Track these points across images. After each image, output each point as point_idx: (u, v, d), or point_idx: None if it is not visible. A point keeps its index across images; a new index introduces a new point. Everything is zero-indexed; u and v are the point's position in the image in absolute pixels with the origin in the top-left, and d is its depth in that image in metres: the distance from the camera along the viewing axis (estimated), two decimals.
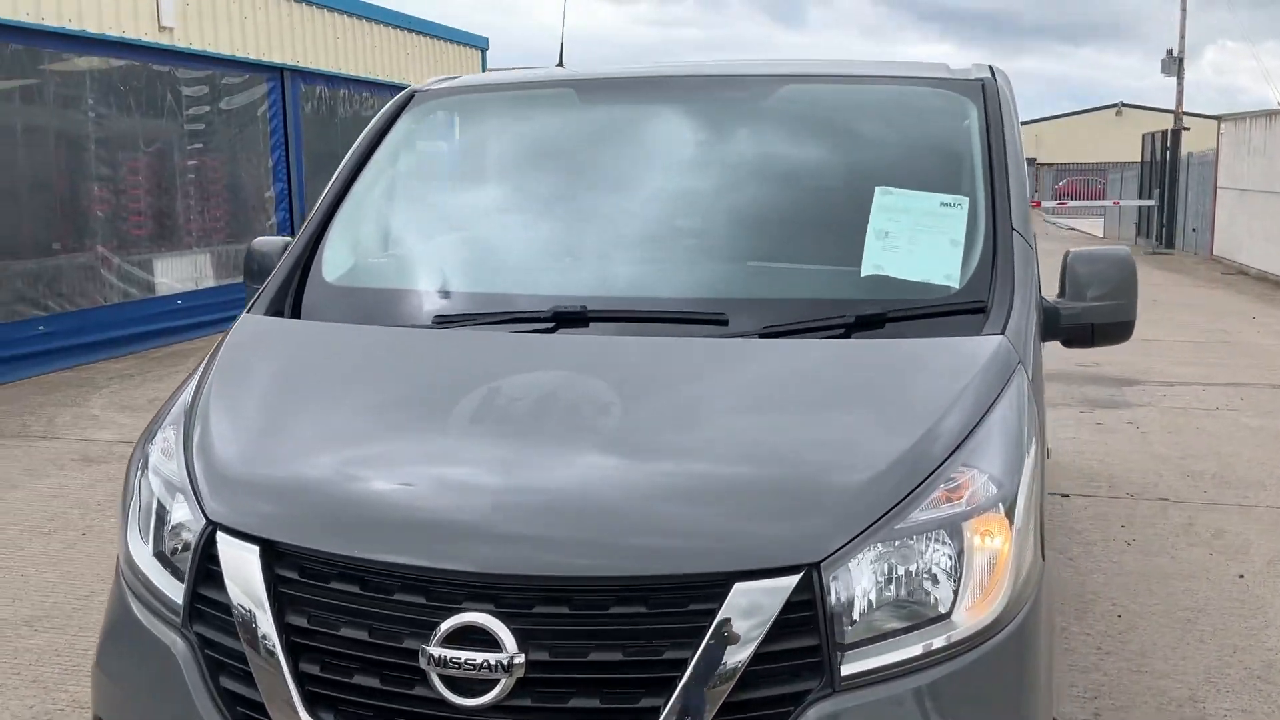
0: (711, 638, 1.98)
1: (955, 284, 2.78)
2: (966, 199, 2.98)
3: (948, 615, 2.10)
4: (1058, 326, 2.98)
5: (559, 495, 2.16)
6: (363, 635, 2.08)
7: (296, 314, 2.98)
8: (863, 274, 2.83)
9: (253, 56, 13.14)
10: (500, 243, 3.26)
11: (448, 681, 2.01)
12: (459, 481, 2.25)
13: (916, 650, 2.07)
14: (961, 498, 2.17)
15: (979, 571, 2.13)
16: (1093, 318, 2.97)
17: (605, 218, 3.21)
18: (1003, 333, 2.60)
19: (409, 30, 17.28)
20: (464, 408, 2.41)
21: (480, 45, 19.79)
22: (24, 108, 10.11)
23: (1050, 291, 3.05)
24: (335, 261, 3.14)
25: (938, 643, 2.08)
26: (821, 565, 2.02)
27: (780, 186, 3.21)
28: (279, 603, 2.13)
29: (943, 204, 2.97)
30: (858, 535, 2.06)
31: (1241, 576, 4.95)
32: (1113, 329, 3.00)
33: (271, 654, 2.10)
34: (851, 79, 3.54)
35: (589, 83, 3.68)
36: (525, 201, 3.36)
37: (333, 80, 14.87)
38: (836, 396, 2.44)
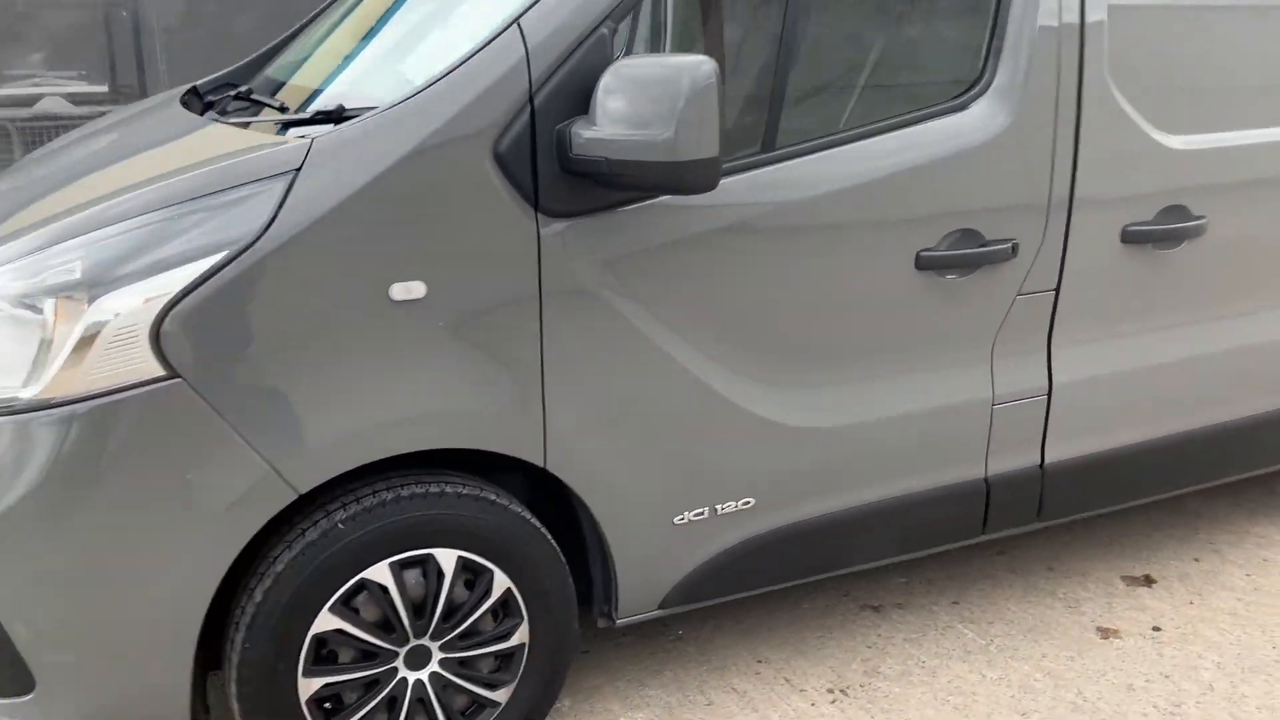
0: None
1: None
2: None
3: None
4: (568, 157, 2.25)
5: None
6: None
7: None
8: None
9: None
10: None
11: None
12: None
13: None
14: (52, 274, 2.12)
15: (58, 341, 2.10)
16: (616, 150, 2.17)
17: None
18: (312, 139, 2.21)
19: None
20: None
21: None
22: None
23: None
24: None
25: None
26: None
27: None
28: None
29: None
30: None
31: None
32: (659, 169, 2.15)
33: None
34: None
35: None
36: None
37: None
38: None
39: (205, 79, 3.54)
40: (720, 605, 3.35)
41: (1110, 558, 3.68)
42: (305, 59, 3.11)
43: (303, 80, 2.89)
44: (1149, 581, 3.53)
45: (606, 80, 2.20)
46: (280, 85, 2.94)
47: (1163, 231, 2.98)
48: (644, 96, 2.14)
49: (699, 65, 2.13)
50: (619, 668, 3.07)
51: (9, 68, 7.63)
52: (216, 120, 2.71)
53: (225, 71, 3.55)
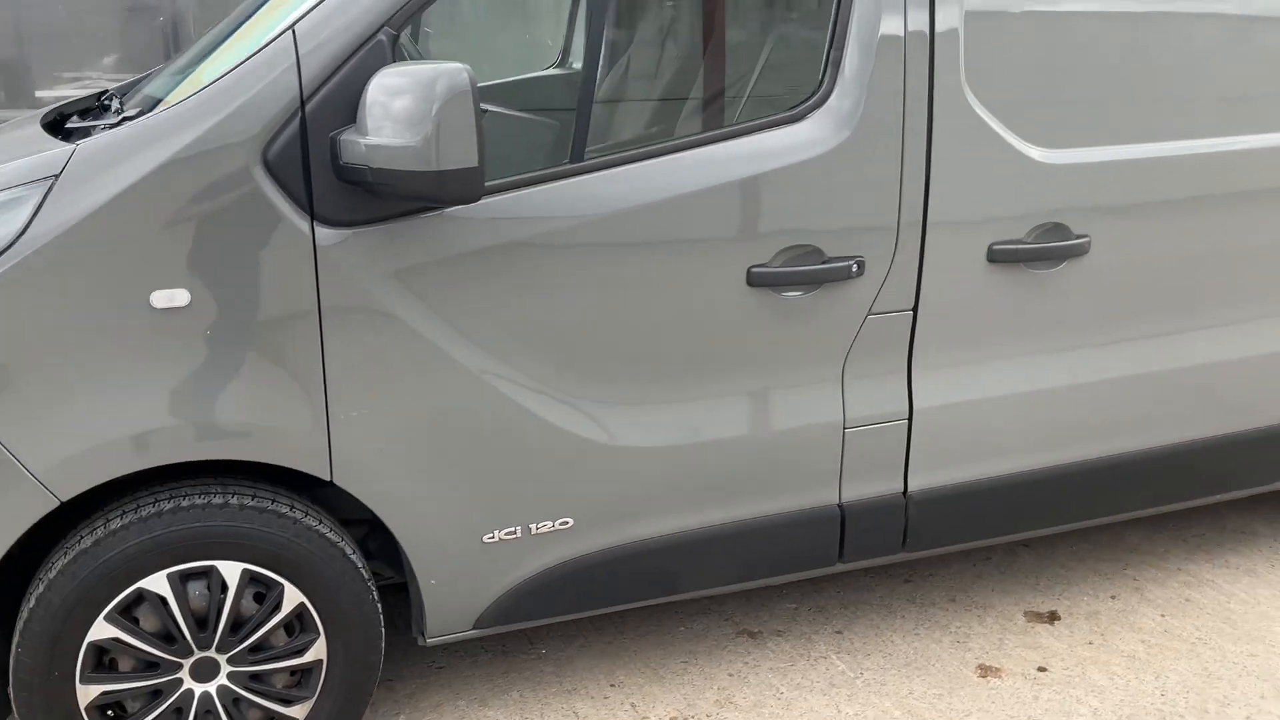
0: None
1: None
2: None
3: None
4: (339, 166, 2.21)
5: None
6: None
7: None
8: None
9: None
10: None
11: None
12: None
13: None
14: None
15: None
16: (378, 159, 2.12)
17: None
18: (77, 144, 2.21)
19: None
20: None
21: None
22: None
23: None
24: None
25: None
26: None
27: None
28: None
29: None
30: None
31: None
32: (418, 179, 2.10)
33: None
34: None
35: None
36: None
37: None
38: None
39: (116, 85, 3.59)
40: (590, 623, 3.29)
41: (1021, 591, 3.50)
42: (189, 71, 3.13)
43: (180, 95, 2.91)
44: (1053, 618, 3.35)
45: (371, 87, 2.15)
46: (157, 101, 2.95)
47: (1035, 250, 2.82)
48: (401, 103, 2.10)
49: (456, 71, 2.08)
50: (468, 685, 3.01)
51: (66, 69, 7.88)
52: (53, 133, 2.73)
53: (135, 79, 3.60)
